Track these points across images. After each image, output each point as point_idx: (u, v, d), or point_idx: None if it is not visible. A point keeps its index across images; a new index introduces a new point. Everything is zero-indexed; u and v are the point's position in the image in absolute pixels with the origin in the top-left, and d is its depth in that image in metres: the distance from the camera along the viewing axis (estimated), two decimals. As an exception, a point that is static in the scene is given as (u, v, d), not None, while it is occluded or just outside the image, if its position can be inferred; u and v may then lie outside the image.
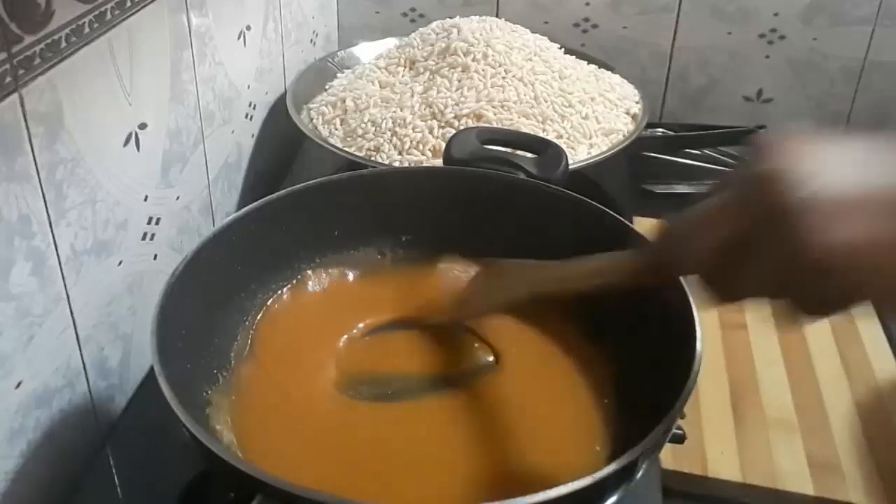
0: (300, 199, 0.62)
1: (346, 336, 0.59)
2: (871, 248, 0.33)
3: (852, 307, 0.35)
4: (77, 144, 0.55)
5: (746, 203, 0.35)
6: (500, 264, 0.57)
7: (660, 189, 0.96)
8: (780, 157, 0.35)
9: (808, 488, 0.59)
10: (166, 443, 0.55)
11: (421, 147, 0.81)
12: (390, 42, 1.00)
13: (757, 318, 0.73)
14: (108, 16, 0.57)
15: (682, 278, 0.52)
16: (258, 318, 0.60)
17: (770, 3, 1.04)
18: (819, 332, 0.73)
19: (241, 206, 0.80)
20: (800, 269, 0.34)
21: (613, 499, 0.43)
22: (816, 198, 0.33)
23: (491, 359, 0.57)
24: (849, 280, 0.33)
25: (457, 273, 0.64)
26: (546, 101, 0.85)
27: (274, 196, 0.61)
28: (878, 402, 0.67)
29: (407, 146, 0.81)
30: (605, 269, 0.48)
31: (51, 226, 0.54)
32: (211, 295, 0.56)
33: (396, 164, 0.80)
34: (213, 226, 0.64)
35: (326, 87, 0.96)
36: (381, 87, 0.90)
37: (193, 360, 0.52)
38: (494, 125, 0.82)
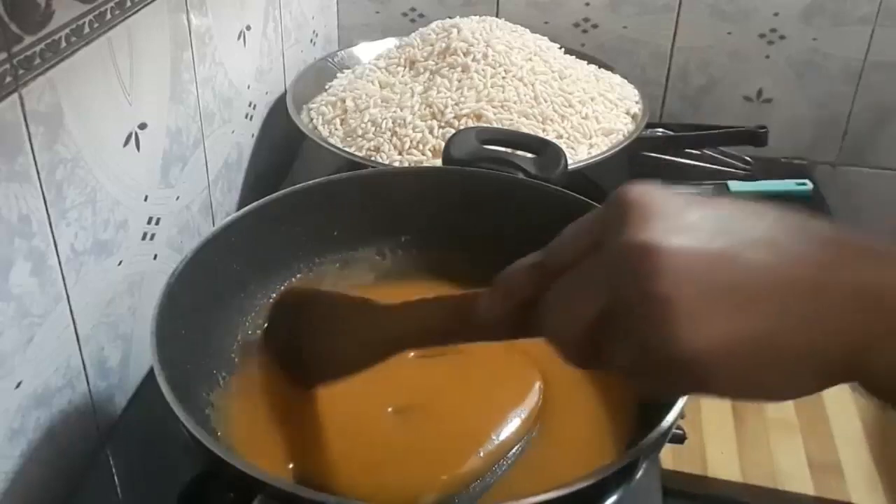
0: (300, 199, 0.62)
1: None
2: (729, 347, 0.31)
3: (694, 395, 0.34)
4: (77, 144, 0.55)
5: (617, 280, 0.32)
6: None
7: (660, 189, 0.96)
8: (646, 224, 0.32)
9: (808, 488, 0.59)
10: (166, 443, 0.54)
11: (421, 147, 0.81)
12: (390, 42, 1.00)
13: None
14: (108, 16, 0.57)
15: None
16: (258, 318, 0.60)
17: (770, 3, 1.04)
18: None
19: (241, 206, 0.80)
20: (655, 360, 0.32)
21: (613, 498, 0.43)
22: (682, 289, 0.31)
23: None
24: (698, 374, 0.31)
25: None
26: (546, 101, 0.85)
27: (274, 196, 0.61)
28: (879, 402, 0.67)
29: (407, 146, 0.81)
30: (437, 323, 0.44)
31: (51, 226, 0.54)
32: (211, 295, 0.56)
33: (396, 164, 0.80)
34: (213, 226, 0.64)
35: (326, 87, 0.96)
36: (381, 87, 0.90)
37: (193, 361, 0.52)
38: (494, 125, 0.82)
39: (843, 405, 0.66)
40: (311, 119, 0.90)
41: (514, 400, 0.53)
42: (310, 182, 0.63)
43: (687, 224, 0.32)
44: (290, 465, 0.48)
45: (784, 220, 0.33)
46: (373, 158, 0.81)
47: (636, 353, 0.32)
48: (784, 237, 0.32)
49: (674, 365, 0.31)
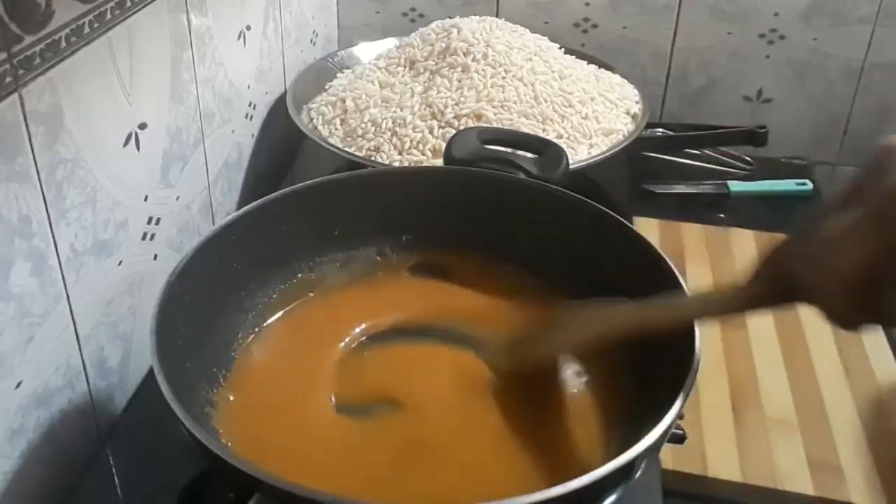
0: (300, 199, 0.62)
1: (347, 338, 0.59)
2: None
3: None
4: (77, 144, 0.55)
5: (886, 220, 0.31)
6: (581, 309, 0.54)
7: (660, 189, 0.96)
8: None
9: (808, 488, 0.59)
10: (166, 443, 0.54)
11: (421, 147, 0.81)
12: (390, 42, 1.00)
13: (757, 319, 0.73)
14: (108, 16, 0.57)
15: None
16: (258, 317, 0.60)
17: (770, 3, 1.04)
18: (819, 333, 0.73)
19: (241, 206, 0.80)
20: None
21: (612, 498, 0.43)
22: None
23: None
24: None
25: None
26: (546, 101, 0.85)
27: (274, 196, 0.61)
28: (878, 402, 0.67)
29: (407, 146, 0.81)
30: (708, 304, 0.47)
31: (51, 226, 0.54)
32: (211, 294, 0.56)
33: (396, 164, 0.80)
34: (213, 226, 0.64)
35: (326, 87, 0.96)
36: (381, 87, 0.90)
37: (193, 360, 0.52)
38: (494, 125, 0.82)
39: (843, 405, 0.66)
40: (311, 119, 0.90)
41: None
42: (310, 182, 0.63)
43: None
44: (290, 465, 0.48)
45: None
46: (373, 158, 0.81)
47: None
48: None
49: None
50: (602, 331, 0.51)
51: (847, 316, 0.34)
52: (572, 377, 0.56)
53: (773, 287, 0.39)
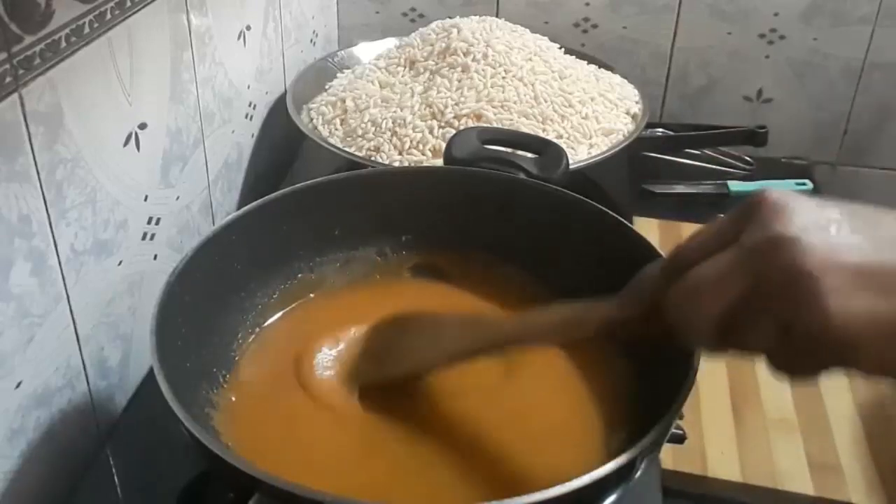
0: (300, 198, 0.62)
1: (347, 338, 0.59)
2: (875, 322, 0.33)
3: (834, 372, 0.35)
4: (77, 144, 0.55)
5: (761, 266, 0.34)
6: (442, 320, 0.55)
7: (660, 189, 0.96)
8: (784, 220, 0.34)
9: (808, 488, 0.59)
10: (166, 443, 0.55)
11: (421, 147, 0.81)
12: (390, 42, 1.00)
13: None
14: (108, 16, 0.57)
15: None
16: (258, 317, 0.60)
17: (770, 3, 1.04)
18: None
19: (241, 206, 0.80)
20: (806, 335, 0.34)
21: (612, 498, 0.43)
22: (829, 266, 0.33)
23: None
24: (847, 348, 0.33)
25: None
26: (546, 101, 0.85)
27: (274, 196, 0.61)
28: (878, 402, 0.67)
29: (407, 146, 0.81)
30: (578, 322, 0.47)
31: (51, 226, 0.54)
32: (211, 295, 0.56)
33: (396, 164, 0.80)
34: (213, 226, 0.64)
35: (326, 87, 0.96)
36: (381, 87, 0.90)
37: (193, 360, 0.52)
38: (494, 125, 0.82)
39: (843, 405, 0.66)
40: (311, 119, 0.90)
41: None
42: (310, 182, 0.63)
43: (826, 218, 0.35)
44: (290, 465, 0.48)
45: None
46: (373, 158, 0.81)
47: (779, 333, 0.34)
48: None
49: (822, 339, 0.33)
50: (466, 345, 0.52)
51: (707, 343, 0.38)
52: (573, 377, 0.56)
53: (641, 312, 0.42)
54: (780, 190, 0.36)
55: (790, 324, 0.34)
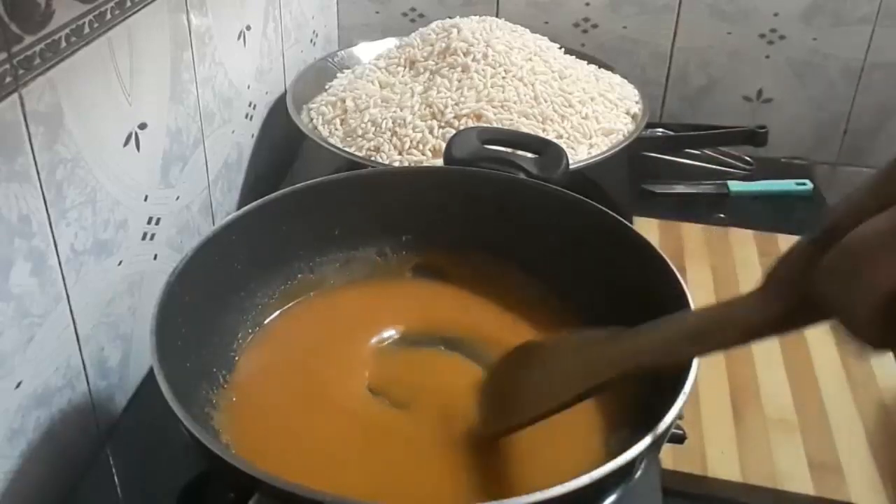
0: (300, 198, 0.62)
1: (347, 338, 0.59)
2: None
3: None
4: (77, 144, 0.55)
5: None
6: (566, 340, 0.49)
7: (660, 189, 0.96)
8: None
9: (808, 488, 0.59)
10: (166, 443, 0.55)
11: (421, 147, 0.81)
12: (390, 42, 1.00)
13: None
14: (108, 16, 0.57)
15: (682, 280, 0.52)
16: (258, 317, 0.60)
17: (770, 3, 1.04)
18: (819, 333, 0.72)
19: (241, 206, 0.80)
20: None
21: (612, 498, 0.43)
22: None
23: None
24: None
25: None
26: (546, 101, 0.85)
27: (274, 196, 0.61)
28: (879, 402, 0.67)
29: (407, 146, 0.81)
30: (719, 328, 0.38)
31: (51, 226, 0.54)
32: (211, 295, 0.56)
33: (396, 164, 0.80)
34: (213, 226, 0.65)
35: (326, 87, 0.96)
36: (381, 87, 0.90)
37: (193, 360, 0.52)
38: (494, 125, 0.82)
39: (843, 405, 0.66)
40: (311, 119, 0.90)
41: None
42: (310, 182, 0.63)
43: None
44: (290, 465, 0.48)
45: None
46: (373, 158, 0.81)
47: None
48: None
49: None
50: (590, 383, 0.45)
51: (879, 338, 0.29)
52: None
53: (788, 306, 0.34)
54: None
55: None
